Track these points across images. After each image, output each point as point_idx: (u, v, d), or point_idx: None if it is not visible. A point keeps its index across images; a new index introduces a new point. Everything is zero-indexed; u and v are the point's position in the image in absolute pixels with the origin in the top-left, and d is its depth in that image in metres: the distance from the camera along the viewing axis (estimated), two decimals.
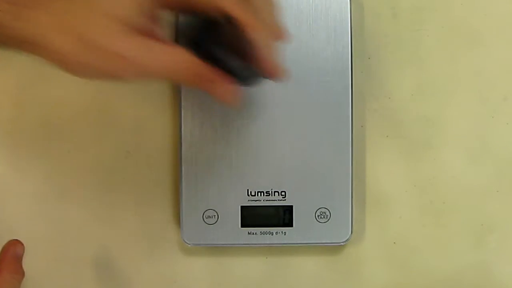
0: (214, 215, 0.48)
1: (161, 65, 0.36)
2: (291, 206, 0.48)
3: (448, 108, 0.50)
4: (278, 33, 0.39)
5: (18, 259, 0.42)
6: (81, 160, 0.50)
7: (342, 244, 0.48)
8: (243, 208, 0.48)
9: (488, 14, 0.50)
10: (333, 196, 0.48)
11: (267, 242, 0.48)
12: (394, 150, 0.50)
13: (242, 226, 0.48)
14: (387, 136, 0.50)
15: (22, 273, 0.42)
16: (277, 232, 0.48)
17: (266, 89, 0.47)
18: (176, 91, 0.49)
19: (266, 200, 0.48)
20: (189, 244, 0.48)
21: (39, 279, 0.50)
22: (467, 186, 0.50)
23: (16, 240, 0.43)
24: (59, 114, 0.50)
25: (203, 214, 0.48)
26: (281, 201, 0.48)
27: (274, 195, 0.48)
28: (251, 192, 0.48)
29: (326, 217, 0.48)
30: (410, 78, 0.50)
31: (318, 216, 0.48)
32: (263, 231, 0.48)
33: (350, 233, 0.48)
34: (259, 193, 0.48)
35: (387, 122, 0.50)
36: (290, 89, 0.47)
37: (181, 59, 0.37)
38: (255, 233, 0.48)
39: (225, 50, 0.38)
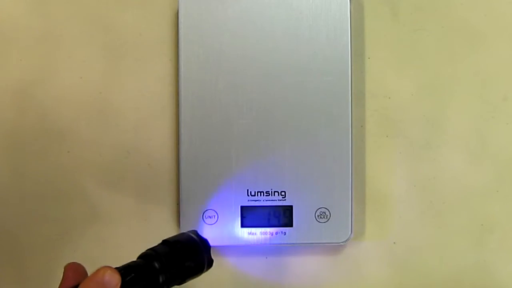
0: (214, 215, 0.48)
1: None
2: (291, 206, 0.48)
3: (448, 108, 0.50)
4: None
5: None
6: (81, 160, 0.50)
7: (342, 244, 0.48)
8: (243, 208, 0.48)
9: (488, 14, 0.50)
10: (333, 196, 0.48)
11: (267, 242, 0.48)
12: (394, 150, 0.50)
13: (242, 226, 0.48)
14: (387, 136, 0.50)
15: None
16: (277, 232, 0.48)
17: (266, 89, 0.47)
18: (176, 92, 0.49)
19: (266, 200, 0.48)
20: None
21: (40, 279, 0.50)
22: (467, 186, 0.50)
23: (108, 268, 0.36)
24: (59, 114, 0.50)
25: (203, 214, 0.48)
26: (281, 201, 0.48)
27: (274, 195, 0.48)
28: (251, 192, 0.48)
29: (326, 217, 0.48)
30: (410, 78, 0.50)
31: (318, 216, 0.48)
32: (263, 231, 0.48)
33: (350, 233, 0.48)
34: (259, 193, 0.48)
35: (387, 122, 0.50)
36: (290, 89, 0.47)
37: None
38: (255, 233, 0.48)
39: None
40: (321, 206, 0.48)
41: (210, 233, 0.48)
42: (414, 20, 0.50)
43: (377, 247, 0.50)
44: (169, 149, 0.50)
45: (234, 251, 0.50)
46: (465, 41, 0.50)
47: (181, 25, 0.48)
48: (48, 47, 0.50)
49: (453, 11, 0.50)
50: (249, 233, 0.48)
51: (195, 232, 0.40)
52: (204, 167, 0.47)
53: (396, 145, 0.50)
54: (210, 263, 0.40)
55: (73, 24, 0.50)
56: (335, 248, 0.50)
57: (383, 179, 0.50)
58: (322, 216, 0.48)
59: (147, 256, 0.37)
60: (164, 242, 0.38)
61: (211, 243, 0.48)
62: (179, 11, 0.48)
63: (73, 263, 0.38)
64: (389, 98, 0.50)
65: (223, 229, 0.48)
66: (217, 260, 0.50)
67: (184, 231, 0.40)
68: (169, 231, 0.50)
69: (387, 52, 0.50)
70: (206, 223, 0.48)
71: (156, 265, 0.37)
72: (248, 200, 0.48)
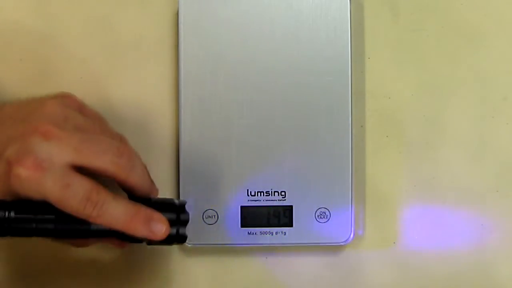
0: (214, 215, 0.48)
1: None
2: (291, 206, 0.48)
3: (448, 108, 0.50)
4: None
5: None
6: None
7: (342, 244, 0.48)
8: (243, 208, 0.48)
9: (488, 14, 0.50)
10: (333, 196, 0.48)
11: (267, 242, 0.48)
12: (394, 150, 0.50)
13: (242, 226, 0.48)
14: (387, 136, 0.50)
15: None
16: (277, 232, 0.48)
17: (266, 89, 0.47)
18: (176, 91, 0.49)
19: (266, 200, 0.48)
20: (189, 244, 0.48)
21: (40, 277, 0.50)
22: (467, 186, 0.50)
23: None
24: None
25: (203, 214, 0.48)
26: (281, 201, 0.48)
27: (274, 195, 0.48)
28: (251, 192, 0.48)
29: (326, 217, 0.48)
30: (410, 78, 0.50)
31: (318, 216, 0.48)
32: (263, 231, 0.48)
33: (350, 233, 0.48)
34: (259, 193, 0.48)
35: (387, 122, 0.50)
36: (290, 89, 0.47)
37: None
38: (255, 233, 0.48)
39: None
40: (321, 206, 0.48)
41: (210, 233, 0.48)
42: (414, 20, 0.50)
43: (377, 247, 0.50)
44: (169, 149, 0.49)
45: (234, 251, 0.50)
46: (465, 41, 0.50)
47: (181, 25, 0.48)
48: (48, 47, 0.50)
49: (453, 11, 0.50)
50: (249, 233, 0.48)
51: (182, 203, 0.43)
52: (204, 167, 0.47)
53: (396, 145, 0.50)
54: (181, 236, 0.42)
55: (73, 24, 0.50)
56: (335, 248, 0.50)
57: (383, 179, 0.50)
58: (322, 216, 0.48)
59: None
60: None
61: (211, 242, 0.48)
62: (179, 11, 0.48)
63: None
64: (389, 98, 0.50)
65: (223, 229, 0.48)
66: (217, 260, 0.50)
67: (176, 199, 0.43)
68: None
69: (387, 52, 0.50)
70: (206, 223, 0.48)
71: None
72: (248, 200, 0.48)
